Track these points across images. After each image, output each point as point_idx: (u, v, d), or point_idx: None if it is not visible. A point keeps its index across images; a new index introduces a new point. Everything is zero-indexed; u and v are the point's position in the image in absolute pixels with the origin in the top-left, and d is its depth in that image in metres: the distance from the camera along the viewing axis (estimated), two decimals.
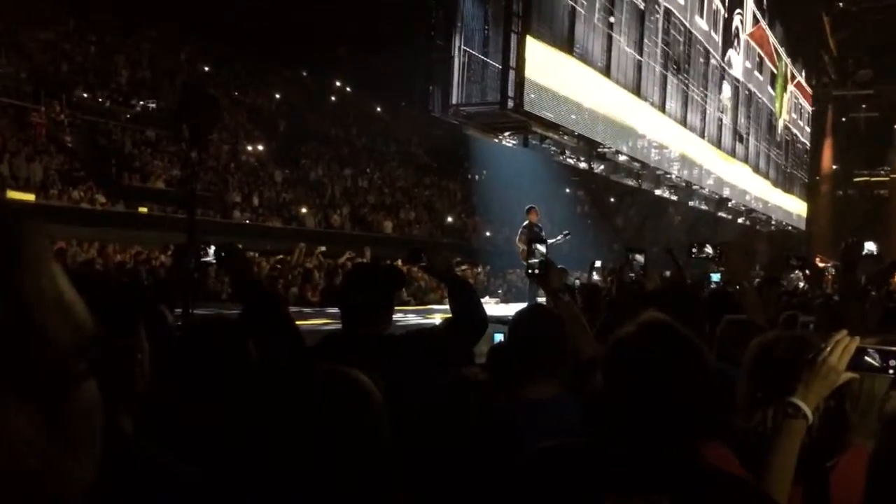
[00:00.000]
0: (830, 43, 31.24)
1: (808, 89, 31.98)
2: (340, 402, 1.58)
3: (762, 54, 25.36)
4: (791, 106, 29.72)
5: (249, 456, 1.63)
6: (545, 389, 2.60)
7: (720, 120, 22.12)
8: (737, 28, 22.35)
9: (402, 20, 18.67)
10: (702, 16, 19.47)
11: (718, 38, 21.06)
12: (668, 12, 17.75)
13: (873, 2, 27.59)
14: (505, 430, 2.45)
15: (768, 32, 25.35)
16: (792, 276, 20.49)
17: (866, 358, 1.63)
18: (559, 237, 12.63)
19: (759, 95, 25.54)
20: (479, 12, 12.90)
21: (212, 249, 2.83)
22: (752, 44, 24.22)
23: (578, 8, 13.84)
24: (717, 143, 21.90)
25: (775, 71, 27.01)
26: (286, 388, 1.69)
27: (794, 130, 30.65)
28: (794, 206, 30.65)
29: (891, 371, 1.63)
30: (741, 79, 23.36)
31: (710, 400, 1.57)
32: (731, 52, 22.12)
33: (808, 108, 32.35)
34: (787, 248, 29.16)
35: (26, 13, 22.81)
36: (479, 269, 19.65)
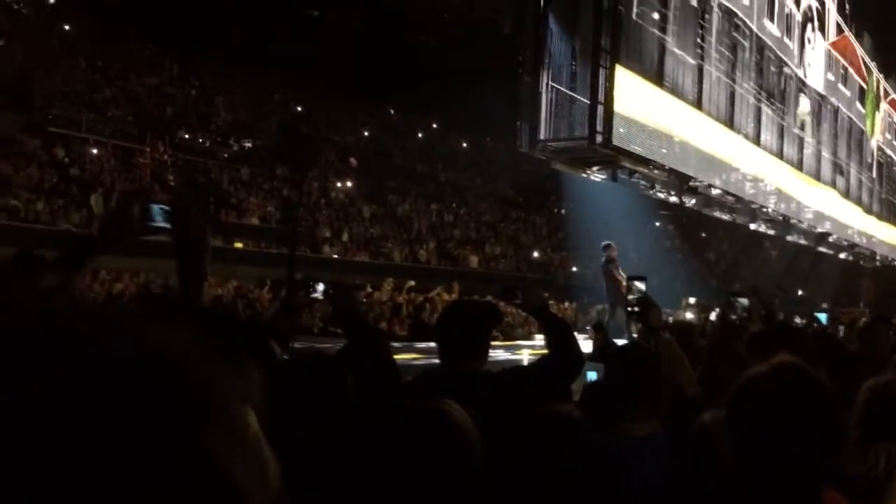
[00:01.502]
0: None
1: None
2: (435, 438, 1.60)
3: (847, 66, 23.35)
4: (885, 125, 27.33)
5: (351, 489, 1.67)
6: (644, 427, 2.59)
7: (819, 151, 21.25)
8: (816, 36, 20.82)
9: (487, 57, 18.91)
10: (773, 19, 18.26)
11: (794, 45, 19.55)
12: (758, 40, 17.34)
13: None
14: (605, 467, 2.42)
15: (855, 43, 23.30)
16: None
17: None
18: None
19: (846, 111, 23.63)
20: (566, 48, 12.92)
21: (320, 286, 2.92)
22: (835, 54, 22.37)
23: (669, 40, 13.69)
24: (816, 175, 21.06)
25: (864, 86, 24.80)
26: (383, 423, 1.72)
27: (890, 152, 28.15)
28: None
29: None
30: (823, 92, 21.63)
31: (836, 445, 1.54)
32: (808, 61, 20.49)
33: None
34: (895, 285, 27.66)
35: (135, 60, 24.28)
36: (566, 305, 19.44)
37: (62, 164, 19.20)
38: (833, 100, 22.40)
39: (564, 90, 12.85)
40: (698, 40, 14.78)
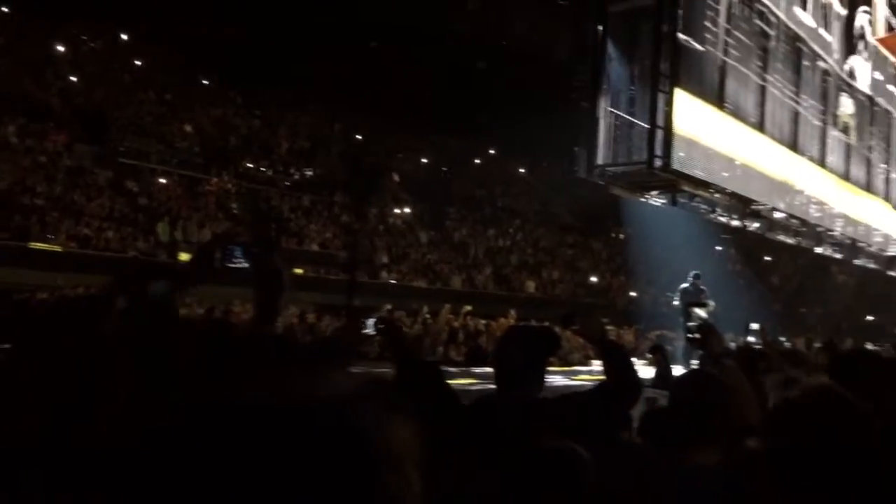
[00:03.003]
0: None
1: None
2: (569, 479, 1.60)
3: None
4: None
5: None
6: (710, 455, 2.56)
7: (868, 159, 20.42)
8: (861, 30, 18.84)
9: (546, 83, 18.98)
10: (804, 8, 16.70)
11: (833, 39, 17.60)
12: (787, 30, 16.82)
13: None
14: (668, 494, 2.40)
15: None
16: None
17: None
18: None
19: None
20: (625, 73, 12.90)
21: (370, 321, 2.94)
22: (883, 51, 19.98)
23: (730, 62, 13.53)
24: (885, 197, 20.34)
25: None
26: (508, 462, 1.72)
27: None
28: None
29: None
30: (869, 92, 19.37)
31: (877, 471, 1.54)
32: (852, 59, 18.63)
33: None
34: None
35: (201, 92, 25.13)
36: (626, 330, 19.17)
37: (131, 193, 19.91)
38: (882, 101, 20.20)
39: (623, 115, 12.82)
40: (761, 58, 14.55)
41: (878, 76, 19.55)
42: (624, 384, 3.11)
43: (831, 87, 17.15)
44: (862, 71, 19.00)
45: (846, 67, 18.05)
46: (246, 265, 2.19)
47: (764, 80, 14.68)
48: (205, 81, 25.64)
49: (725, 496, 2.39)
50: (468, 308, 16.14)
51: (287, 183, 23.60)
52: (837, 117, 17.72)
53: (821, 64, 16.59)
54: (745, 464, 2.31)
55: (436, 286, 22.36)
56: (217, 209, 20.92)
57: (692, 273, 13.43)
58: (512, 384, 2.92)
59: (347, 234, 16.38)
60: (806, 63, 15.91)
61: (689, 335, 3.68)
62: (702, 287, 13.08)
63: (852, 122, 18.51)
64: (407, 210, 25.87)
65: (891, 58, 20.26)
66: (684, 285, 13.23)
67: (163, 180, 20.90)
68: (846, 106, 18.23)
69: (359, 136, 27.14)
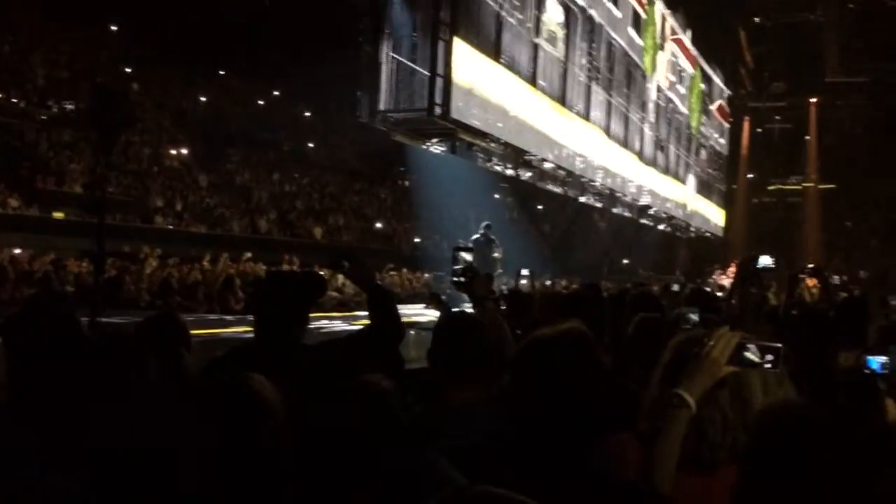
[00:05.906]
0: (747, 56, 32.51)
1: (692, 49, 26.00)
2: (239, 412, 1.57)
3: None
4: (670, 67, 24.35)
5: (141, 471, 1.63)
6: (468, 395, 2.65)
7: (642, 129, 22.45)
8: None
9: (333, 25, 18.57)
10: None
11: None
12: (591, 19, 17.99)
13: (787, 17, 28.79)
14: (417, 436, 2.47)
15: None
16: (710, 280, 21.32)
17: (746, 353, 1.74)
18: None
19: (613, 34, 19.62)
20: (408, 19, 12.96)
21: None
22: None
23: (505, 16, 14.00)
24: (639, 153, 22.34)
25: (643, 15, 21.25)
26: (187, 399, 1.68)
27: (673, 97, 25.09)
28: (712, 214, 31.54)
29: (768, 365, 1.74)
30: (581, 3, 17.56)
31: (611, 407, 1.69)
32: None
33: (690, 70, 26.43)
34: (705, 254, 30.25)
35: None
36: (414, 275, 19.69)
37: None
38: (594, 13, 18.31)
39: (405, 61, 12.91)
40: (536, 13, 15.17)
41: None
42: (385, 326, 3.17)
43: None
44: None
45: None
46: None
47: (536, 34, 15.36)
48: None
49: (484, 432, 2.50)
50: (249, 255, 15.70)
51: (44, 117, 21.25)
52: (542, 24, 15.89)
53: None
54: (503, 400, 2.43)
55: (216, 232, 21.47)
56: None
57: (483, 224, 13.82)
58: (269, 330, 2.86)
59: (93, 173, 15.10)
60: (573, 22, 16.35)
61: (455, 279, 3.80)
62: (492, 237, 13.49)
63: (560, 33, 16.80)
64: (184, 151, 24.41)
65: None
66: (476, 236, 13.60)
67: None
68: (554, 13, 16.57)
69: (129, 70, 25.00)
